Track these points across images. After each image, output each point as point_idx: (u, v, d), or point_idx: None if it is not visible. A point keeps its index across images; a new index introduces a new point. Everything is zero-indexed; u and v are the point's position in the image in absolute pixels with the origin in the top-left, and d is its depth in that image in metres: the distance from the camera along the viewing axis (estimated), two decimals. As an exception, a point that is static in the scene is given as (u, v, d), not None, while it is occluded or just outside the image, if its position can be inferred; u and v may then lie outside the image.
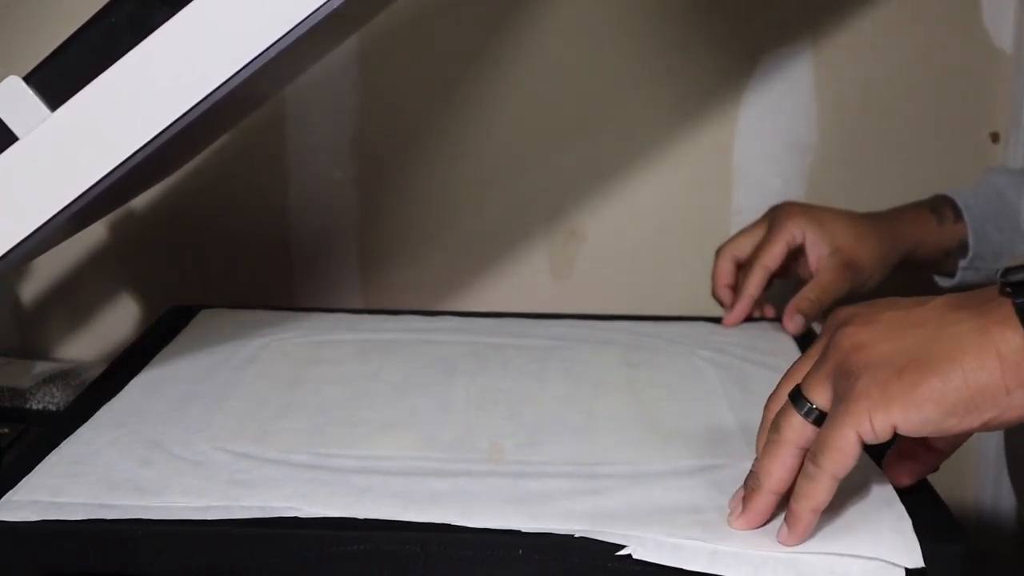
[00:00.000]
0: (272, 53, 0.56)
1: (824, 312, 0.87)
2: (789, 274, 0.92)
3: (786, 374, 0.58)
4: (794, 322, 0.86)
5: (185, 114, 0.57)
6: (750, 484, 0.54)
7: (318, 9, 0.55)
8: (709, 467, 0.63)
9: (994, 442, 1.07)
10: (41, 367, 1.01)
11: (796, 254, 0.90)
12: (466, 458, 0.65)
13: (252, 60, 0.56)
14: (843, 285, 0.88)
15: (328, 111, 1.06)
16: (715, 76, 1.06)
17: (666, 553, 0.54)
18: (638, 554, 0.54)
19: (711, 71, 1.06)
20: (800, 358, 0.58)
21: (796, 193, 1.07)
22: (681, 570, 0.53)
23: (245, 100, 0.71)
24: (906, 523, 0.55)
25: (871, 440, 0.50)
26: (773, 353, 0.83)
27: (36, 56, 0.57)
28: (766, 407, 0.58)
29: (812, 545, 0.54)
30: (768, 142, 1.06)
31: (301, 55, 0.67)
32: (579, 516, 0.57)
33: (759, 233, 0.91)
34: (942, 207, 0.92)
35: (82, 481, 0.61)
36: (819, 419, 0.52)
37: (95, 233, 1.08)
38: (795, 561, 0.53)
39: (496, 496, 0.59)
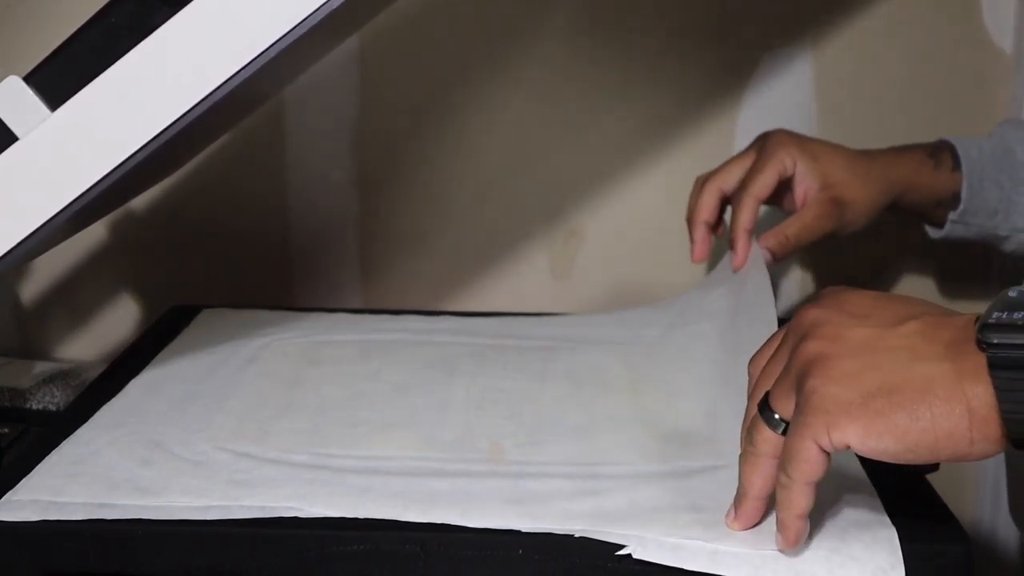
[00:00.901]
0: (272, 53, 0.56)
1: (799, 249, 0.84)
2: (778, 205, 0.87)
3: (752, 371, 0.57)
4: (762, 254, 0.82)
5: (185, 114, 0.57)
6: (738, 491, 0.55)
7: (318, 9, 0.55)
8: (709, 467, 0.63)
9: (992, 464, 1.07)
10: (41, 367, 1.00)
11: (783, 186, 0.85)
12: (466, 458, 0.65)
13: (252, 60, 0.56)
14: (827, 224, 0.83)
15: (328, 111, 1.06)
16: (715, 76, 1.06)
17: (666, 553, 0.54)
18: (638, 554, 0.54)
19: (711, 71, 1.06)
20: (761, 348, 0.58)
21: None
22: (681, 570, 0.53)
23: (245, 100, 0.71)
24: (891, 533, 0.55)
25: (831, 451, 0.50)
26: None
27: (36, 56, 0.57)
28: (746, 411, 0.57)
29: (809, 546, 0.54)
30: (768, 142, 1.06)
31: (301, 55, 0.67)
32: (579, 516, 0.57)
33: (747, 163, 0.85)
34: (941, 153, 0.87)
35: (82, 481, 0.61)
36: (787, 430, 0.52)
37: (95, 233, 1.08)
38: (795, 561, 0.53)
39: (496, 496, 0.59)
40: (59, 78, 0.57)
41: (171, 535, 0.56)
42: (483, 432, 0.69)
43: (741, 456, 0.54)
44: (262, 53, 0.56)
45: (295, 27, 0.56)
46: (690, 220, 0.87)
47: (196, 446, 0.66)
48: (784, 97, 1.05)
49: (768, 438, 0.53)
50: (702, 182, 0.87)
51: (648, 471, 0.63)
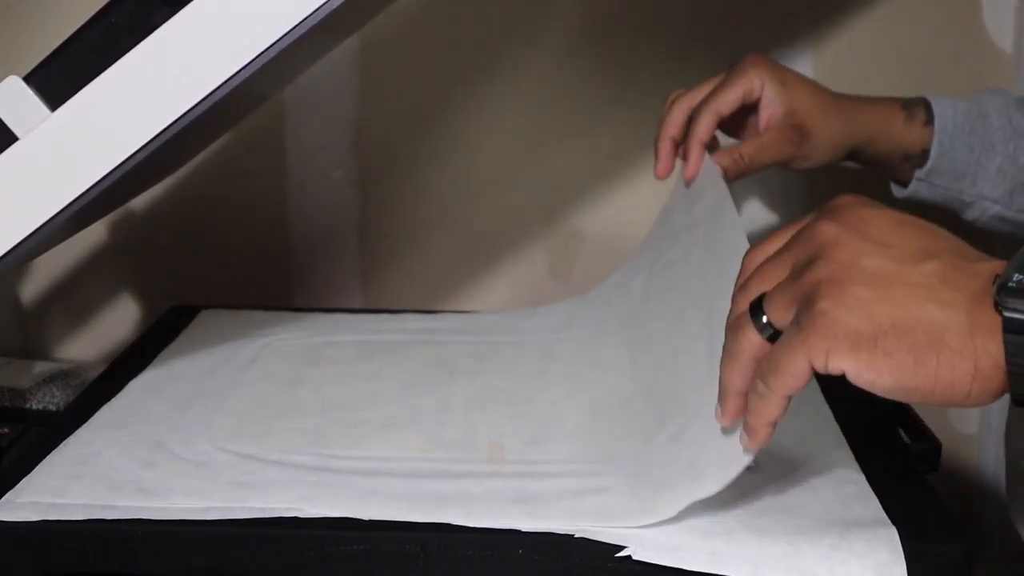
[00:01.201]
0: (272, 53, 0.56)
1: (752, 171, 0.82)
2: (738, 133, 0.85)
3: (747, 263, 0.55)
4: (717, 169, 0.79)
5: (185, 114, 0.57)
6: (720, 388, 0.54)
7: (318, 9, 0.55)
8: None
9: (992, 464, 1.07)
10: (41, 367, 1.00)
11: (748, 110, 0.83)
12: (467, 458, 0.65)
13: (252, 60, 0.56)
14: (785, 150, 0.81)
15: (328, 111, 1.06)
16: (715, 76, 1.06)
17: (666, 553, 0.54)
18: (638, 555, 0.54)
19: (711, 71, 1.06)
20: (762, 244, 0.55)
21: (796, 192, 1.07)
22: (681, 570, 0.53)
23: (245, 100, 0.71)
24: (891, 532, 0.55)
25: (821, 372, 0.48)
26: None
27: (36, 56, 0.57)
28: (733, 299, 0.54)
29: (810, 546, 0.54)
30: (768, 142, 1.06)
31: (301, 55, 0.67)
32: (579, 516, 0.57)
33: (716, 82, 0.84)
34: (915, 107, 0.84)
35: (83, 481, 0.61)
36: (774, 336, 0.50)
37: (95, 233, 1.08)
38: (795, 561, 0.53)
39: (497, 496, 0.59)
40: (59, 78, 0.57)
41: (171, 535, 0.56)
42: (484, 432, 0.69)
43: (723, 352, 0.53)
44: (262, 53, 0.56)
45: (295, 27, 0.56)
46: (656, 140, 0.85)
47: (197, 447, 0.66)
48: (784, 97, 1.05)
49: (753, 341, 0.51)
50: (672, 100, 0.85)
51: (649, 471, 0.63)
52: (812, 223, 0.51)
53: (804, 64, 1.04)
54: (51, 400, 0.92)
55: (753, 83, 0.81)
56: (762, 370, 0.50)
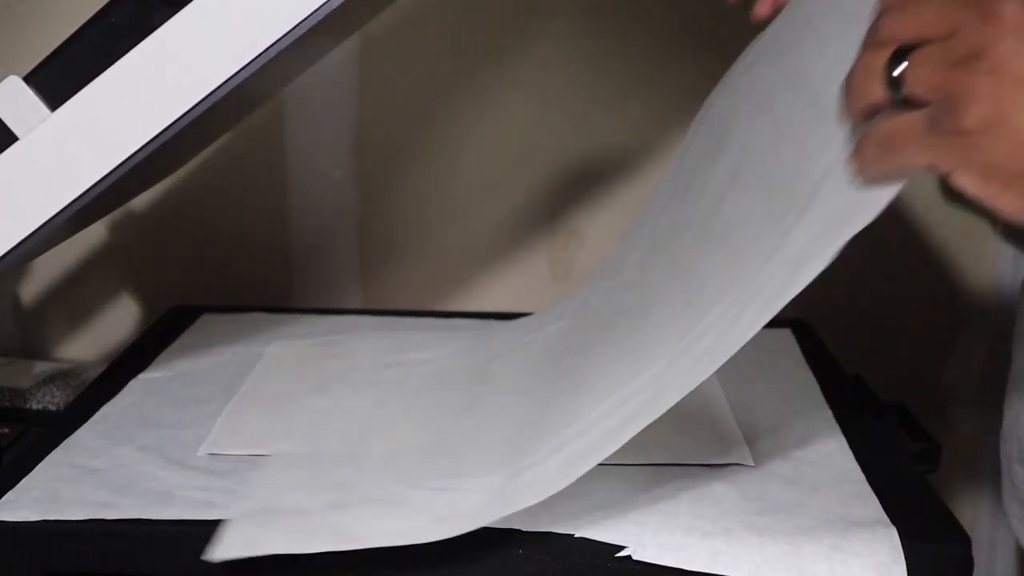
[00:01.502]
0: (272, 53, 0.56)
1: None
2: None
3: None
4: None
5: (185, 114, 0.57)
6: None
7: (318, 9, 0.55)
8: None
9: (992, 463, 1.07)
10: (41, 367, 1.01)
11: None
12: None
13: (252, 60, 0.56)
14: None
15: (328, 111, 1.06)
16: (715, 76, 1.05)
17: (666, 553, 0.54)
18: (638, 555, 0.54)
19: (711, 70, 1.05)
20: None
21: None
22: (681, 570, 0.53)
23: (245, 100, 0.71)
24: (891, 531, 0.55)
25: (941, 177, 0.43)
26: (774, 351, 0.83)
27: (36, 56, 0.57)
28: (865, 43, 0.46)
29: (810, 546, 0.54)
30: (768, 142, 1.06)
31: (301, 55, 0.67)
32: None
33: None
34: None
35: (83, 481, 0.61)
36: (900, 104, 0.44)
37: (95, 233, 1.08)
38: (795, 561, 0.53)
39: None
40: (59, 78, 0.57)
41: (171, 535, 0.56)
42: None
43: (847, 86, 0.46)
44: (262, 53, 0.56)
45: (295, 27, 0.56)
46: None
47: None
48: (784, 97, 1.05)
49: (877, 93, 0.44)
50: None
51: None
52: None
53: (804, 64, 1.04)
54: (51, 400, 0.92)
55: None
56: (878, 136, 0.45)
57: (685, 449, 0.66)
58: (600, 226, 1.08)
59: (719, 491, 0.59)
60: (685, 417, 0.71)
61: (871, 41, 0.45)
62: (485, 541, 0.55)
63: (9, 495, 0.59)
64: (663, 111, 1.06)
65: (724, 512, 0.56)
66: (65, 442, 0.66)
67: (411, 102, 1.06)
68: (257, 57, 0.56)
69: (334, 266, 1.10)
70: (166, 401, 0.73)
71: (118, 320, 1.11)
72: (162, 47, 0.56)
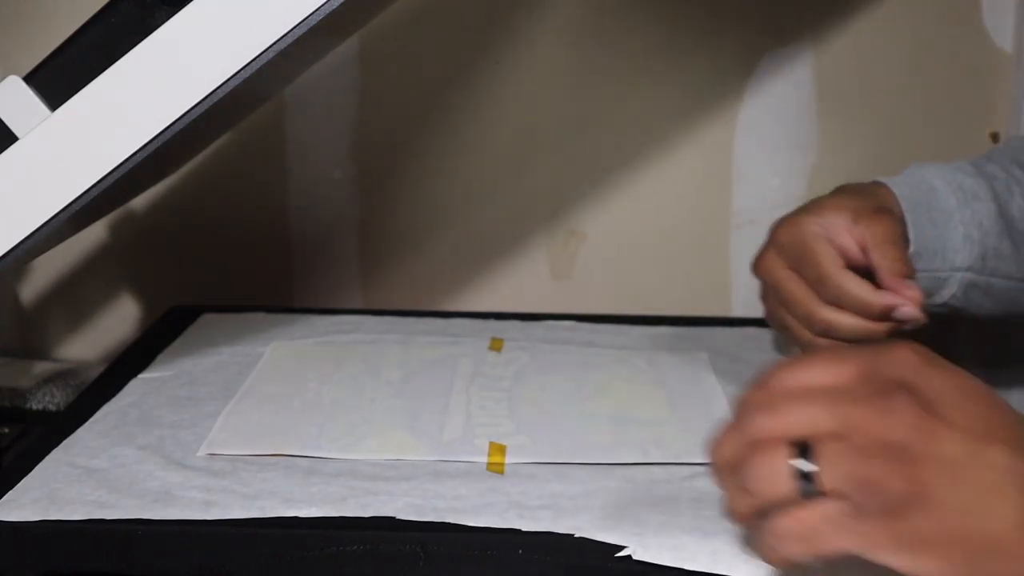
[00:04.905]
0: (272, 53, 0.56)
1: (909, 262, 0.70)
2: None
3: (784, 381, 0.47)
4: (909, 291, 0.67)
5: (185, 114, 0.57)
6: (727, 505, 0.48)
7: (318, 9, 0.55)
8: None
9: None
10: (41, 367, 1.01)
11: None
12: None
13: (252, 60, 0.56)
14: (891, 224, 0.70)
15: (328, 111, 1.06)
16: (715, 76, 1.06)
17: (666, 553, 0.54)
18: (638, 555, 0.54)
19: (711, 70, 1.06)
20: (827, 361, 0.47)
21: (796, 193, 1.07)
22: (681, 570, 0.53)
23: (245, 99, 0.71)
24: None
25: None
26: (774, 351, 0.83)
27: (36, 56, 0.57)
28: (747, 401, 0.47)
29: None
30: (768, 142, 1.06)
31: (301, 55, 0.67)
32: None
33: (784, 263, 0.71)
34: (884, 190, 0.75)
35: (82, 481, 0.61)
36: (810, 494, 0.44)
37: (95, 233, 1.08)
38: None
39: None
40: (59, 78, 0.57)
41: (171, 535, 0.56)
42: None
43: (734, 485, 0.47)
44: (262, 53, 0.56)
45: (295, 27, 0.56)
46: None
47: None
48: (784, 97, 1.05)
49: (780, 487, 0.44)
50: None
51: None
52: (886, 391, 0.45)
53: (804, 64, 1.05)
54: (51, 400, 0.92)
55: (844, 239, 0.70)
56: (797, 529, 0.44)
57: (685, 449, 0.66)
58: (600, 226, 1.08)
59: (719, 491, 0.59)
60: (685, 417, 0.71)
61: (754, 438, 0.45)
62: (485, 541, 0.55)
63: (9, 495, 0.59)
64: (663, 111, 1.06)
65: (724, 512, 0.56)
66: (65, 442, 0.66)
67: (411, 102, 1.06)
68: (257, 57, 0.56)
69: (334, 266, 1.10)
70: (166, 401, 0.73)
71: (118, 320, 1.11)
72: (162, 47, 0.56)
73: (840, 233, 0.70)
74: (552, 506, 0.58)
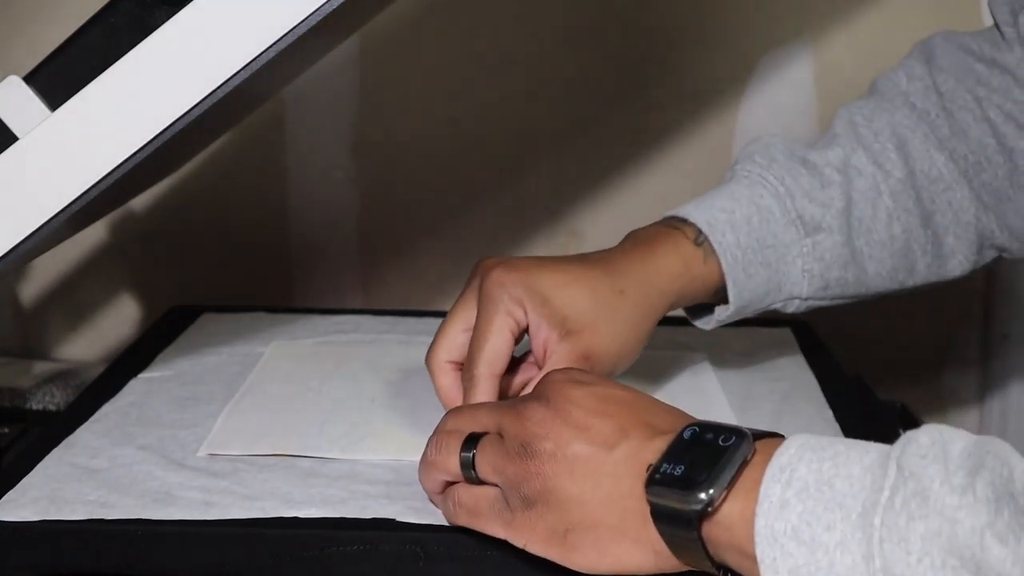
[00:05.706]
0: (272, 53, 0.56)
1: None
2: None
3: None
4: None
5: (185, 114, 0.57)
6: (421, 472, 0.59)
7: (318, 9, 0.55)
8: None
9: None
10: (41, 367, 1.01)
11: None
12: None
13: (252, 60, 0.56)
14: (573, 356, 0.63)
15: (328, 111, 1.06)
16: (714, 76, 1.06)
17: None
18: (638, 554, 0.54)
19: (710, 71, 1.06)
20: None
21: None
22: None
23: (245, 99, 0.71)
24: None
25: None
26: (773, 357, 0.83)
27: (36, 56, 0.57)
28: (444, 425, 0.58)
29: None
30: (768, 142, 1.06)
31: (301, 55, 0.67)
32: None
33: (469, 318, 0.65)
34: (699, 235, 0.69)
35: (82, 481, 0.61)
36: (473, 480, 0.54)
37: (95, 233, 1.08)
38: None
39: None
40: (59, 78, 0.57)
41: (171, 535, 0.56)
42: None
43: (425, 455, 0.57)
44: (262, 53, 0.56)
45: (295, 27, 0.56)
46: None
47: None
48: (784, 97, 1.05)
49: (452, 467, 0.55)
50: (428, 361, 0.67)
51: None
52: (525, 407, 0.53)
53: (804, 64, 1.05)
54: (51, 400, 0.92)
55: (515, 314, 0.63)
56: (466, 504, 0.55)
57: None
58: (600, 226, 1.08)
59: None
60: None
61: (442, 430, 0.57)
62: (486, 541, 0.55)
63: (9, 495, 0.59)
64: (663, 111, 1.06)
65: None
66: (65, 442, 0.66)
67: (411, 102, 1.06)
68: (257, 57, 0.56)
69: (334, 266, 1.10)
70: (166, 401, 0.73)
71: (118, 320, 1.11)
72: (162, 47, 0.56)
73: (535, 331, 0.63)
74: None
